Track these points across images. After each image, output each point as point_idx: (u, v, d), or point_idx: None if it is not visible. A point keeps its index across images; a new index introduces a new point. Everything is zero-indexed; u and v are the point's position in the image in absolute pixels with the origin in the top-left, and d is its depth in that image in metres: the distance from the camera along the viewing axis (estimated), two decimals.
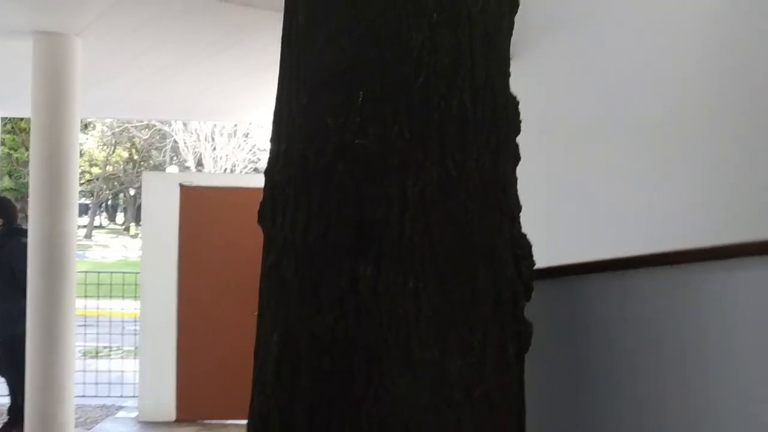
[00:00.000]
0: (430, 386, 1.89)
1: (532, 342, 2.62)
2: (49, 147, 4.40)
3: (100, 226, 40.29)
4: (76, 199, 4.55)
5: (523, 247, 2.19)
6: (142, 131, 28.40)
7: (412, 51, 1.95)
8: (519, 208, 2.28)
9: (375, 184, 1.95)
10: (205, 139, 23.85)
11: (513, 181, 2.23)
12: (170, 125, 24.86)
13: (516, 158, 2.27)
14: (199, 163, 24.73)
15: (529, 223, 2.92)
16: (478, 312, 1.96)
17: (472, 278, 1.96)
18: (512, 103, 2.22)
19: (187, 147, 24.78)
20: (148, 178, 6.92)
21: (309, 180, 1.99)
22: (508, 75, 2.27)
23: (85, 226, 35.22)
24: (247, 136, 24.06)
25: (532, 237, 2.43)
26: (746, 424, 1.95)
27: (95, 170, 34.24)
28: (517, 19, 4.44)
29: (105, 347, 9.78)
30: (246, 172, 22.99)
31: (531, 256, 2.23)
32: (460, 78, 1.97)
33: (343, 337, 1.91)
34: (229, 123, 19.75)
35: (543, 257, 2.94)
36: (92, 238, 35.13)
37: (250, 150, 24.39)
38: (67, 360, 4.42)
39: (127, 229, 38.60)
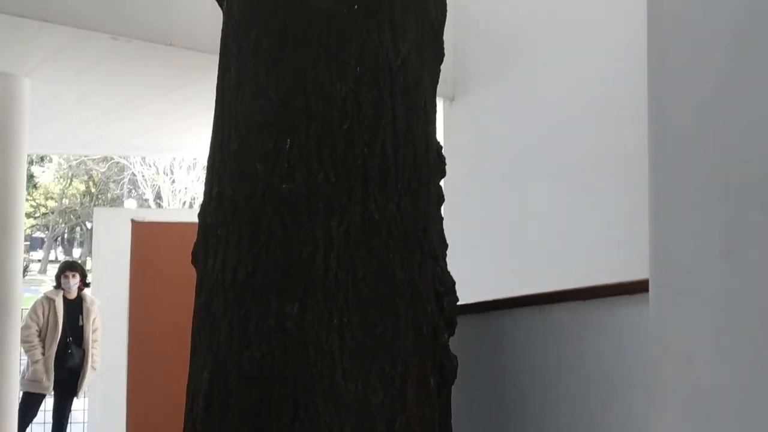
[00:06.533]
0: (353, 418, 1.98)
1: (464, 373, 2.73)
2: None
3: (56, 261, 39.41)
4: (21, 238, 4.57)
5: (445, 283, 2.32)
6: (100, 164, 28.06)
7: (337, 101, 2.08)
8: (444, 246, 2.41)
9: (302, 225, 2.06)
10: (164, 172, 23.69)
11: (436, 220, 2.36)
12: (128, 158, 24.63)
13: (440, 199, 2.40)
14: (158, 196, 24.50)
15: (463, 258, 3.06)
16: (399, 346, 2.07)
17: (394, 314, 2.08)
18: (435, 149, 2.35)
19: (146, 180, 24.56)
20: (100, 214, 6.93)
21: (239, 222, 2.10)
22: (433, 121, 2.41)
23: (39, 261, 34.49)
24: (206, 168, 23.93)
25: (467, 271, 2.56)
26: None
27: (51, 203, 33.65)
28: (456, 65, 4.65)
29: None
30: None
31: (453, 292, 2.35)
32: (382, 127, 2.10)
33: (271, 373, 2.01)
34: (186, 156, 19.66)
35: (478, 290, 3.08)
36: (47, 273, 34.37)
37: None
38: (8, 396, 4.38)
39: (84, 263, 37.83)
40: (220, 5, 2.33)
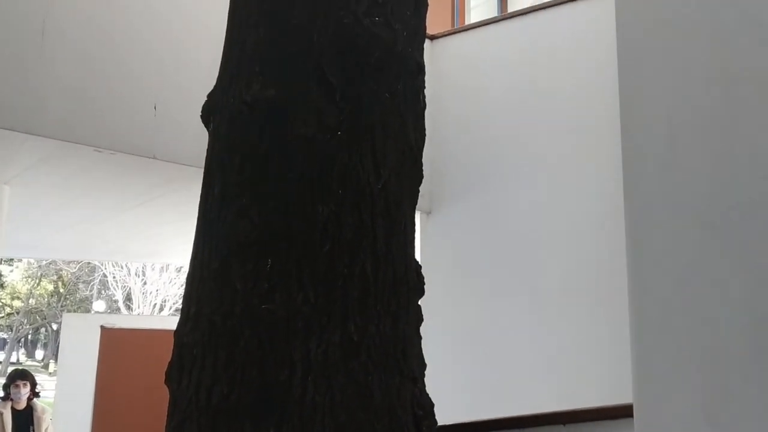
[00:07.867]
0: None
1: None
2: None
3: (17, 363, 38.04)
4: None
5: (424, 406, 2.28)
6: (70, 264, 27.68)
7: (318, 223, 2.11)
8: (423, 367, 2.39)
9: (280, 347, 2.04)
10: (136, 274, 23.40)
11: (415, 342, 2.35)
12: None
13: (419, 319, 2.40)
14: (128, 298, 24.09)
15: (441, 374, 3.03)
16: None
17: None
18: (414, 269, 2.38)
19: (116, 281, 24.21)
20: (69, 320, 6.79)
21: (216, 342, 2.07)
22: (412, 242, 2.45)
23: (0, 363, 33.27)
24: (179, 271, 23.73)
25: (446, 390, 2.53)
26: None
27: (17, 303, 32.86)
28: (433, 179, 4.76)
29: None
30: (177, 308, 22.45)
31: (432, 415, 2.31)
32: (362, 249, 2.13)
33: None
34: (161, 262, 19.51)
35: (458, 410, 3.03)
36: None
37: (182, 285, 23.97)
38: None
39: (46, 366, 36.55)
40: (207, 126, 2.40)
